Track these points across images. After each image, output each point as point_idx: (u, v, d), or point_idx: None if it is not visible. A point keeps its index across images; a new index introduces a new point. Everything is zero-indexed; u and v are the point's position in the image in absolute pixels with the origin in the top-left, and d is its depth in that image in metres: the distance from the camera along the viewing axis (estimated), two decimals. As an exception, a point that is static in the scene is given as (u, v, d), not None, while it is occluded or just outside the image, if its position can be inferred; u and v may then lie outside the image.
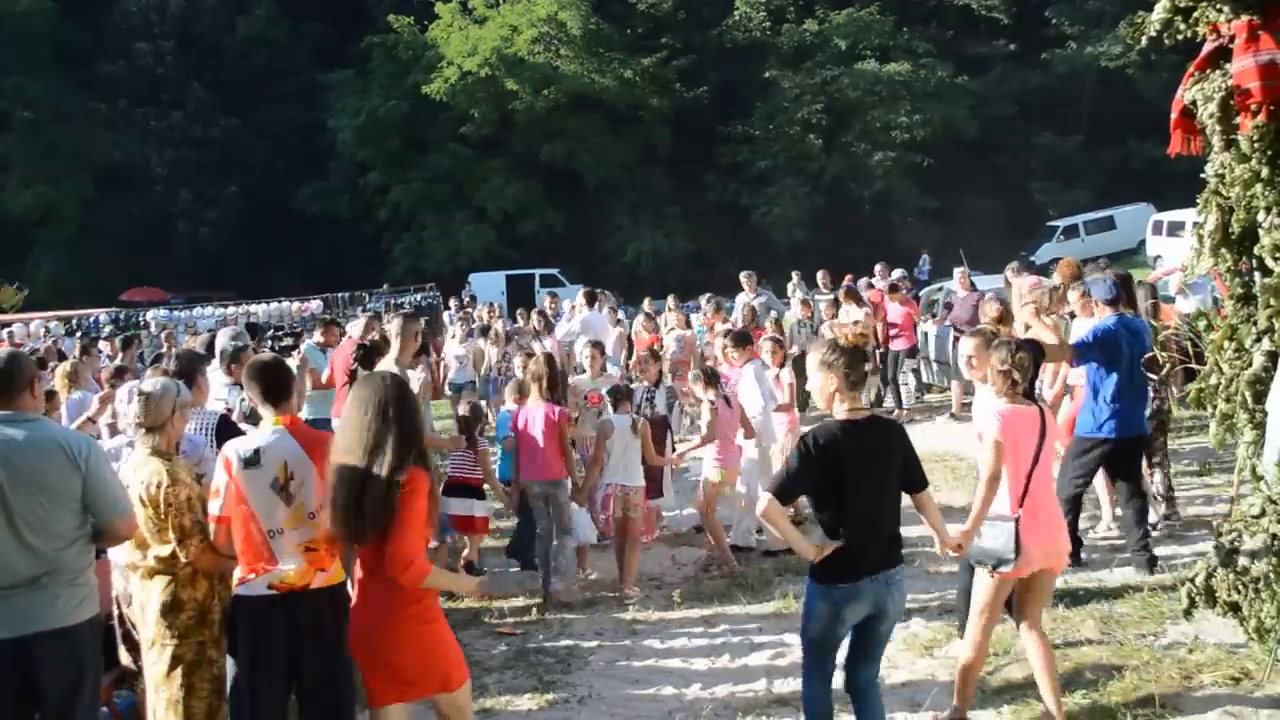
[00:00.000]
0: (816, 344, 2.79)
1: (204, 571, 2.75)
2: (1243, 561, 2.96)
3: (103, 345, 10.83)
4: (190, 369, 3.55)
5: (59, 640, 2.41)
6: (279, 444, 2.66)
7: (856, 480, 2.58)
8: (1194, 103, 3.24)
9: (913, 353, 9.09)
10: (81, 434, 2.70)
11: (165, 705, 2.70)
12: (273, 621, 2.61)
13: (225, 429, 3.57)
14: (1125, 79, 24.24)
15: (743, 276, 10.26)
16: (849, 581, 2.60)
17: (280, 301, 16.15)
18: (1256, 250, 3.04)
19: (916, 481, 2.75)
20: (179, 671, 2.71)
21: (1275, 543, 2.90)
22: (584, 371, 6.35)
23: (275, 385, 2.73)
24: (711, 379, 5.16)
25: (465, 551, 5.10)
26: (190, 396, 2.94)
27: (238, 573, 2.68)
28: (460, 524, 4.94)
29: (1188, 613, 3.18)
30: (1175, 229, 17.64)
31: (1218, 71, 3.20)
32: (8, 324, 15.31)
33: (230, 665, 2.67)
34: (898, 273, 10.55)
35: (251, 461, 2.64)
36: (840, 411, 2.67)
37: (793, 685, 3.59)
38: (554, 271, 23.46)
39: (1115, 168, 25.59)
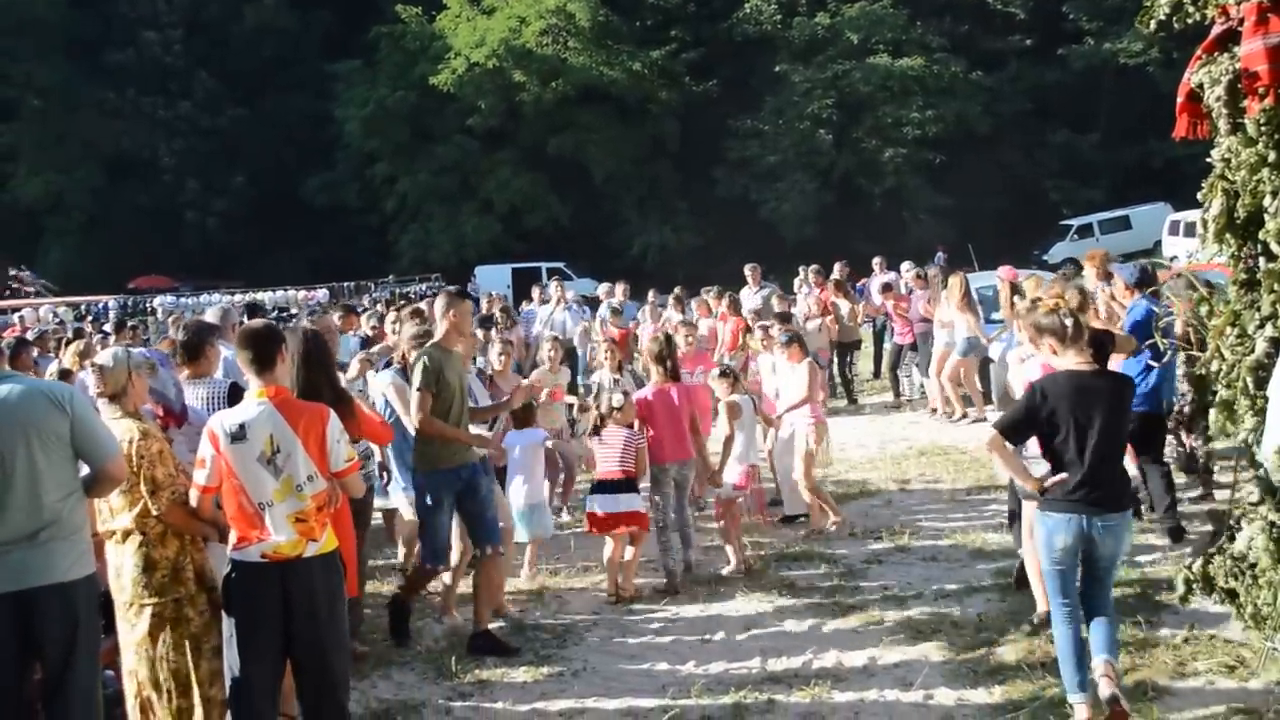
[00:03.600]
0: (1030, 312, 3.17)
1: (173, 528, 2.78)
2: (1240, 548, 2.94)
3: (107, 329, 10.93)
4: (199, 339, 3.56)
5: (57, 595, 2.45)
6: (263, 417, 2.69)
7: (1068, 421, 2.87)
8: (1201, 86, 3.20)
9: (914, 346, 9.17)
10: (62, 382, 2.76)
11: (148, 665, 2.73)
12: (267, 584, 2.65)
13: (237, 398, 3.56)
14: (1144, 76, 23.94)
15: (747, 269, 10.26)
16: (1056, 512, 2.92)
17: (286, 289, 16.25)
18: (1262, 235, 3.01)
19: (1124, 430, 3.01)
20: (158, 628, 2.74)
21: (1274, 530, 2.88)
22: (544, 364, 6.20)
23: (264, 354, 2.74)
24: (801, 343, 5.42)
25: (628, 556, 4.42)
26: (143, 359, 2.99)
27: (231, 537, 2.71)
28: (621, 520, 4.37)
29: (1184, 599, 3.17)
30: (1192, 229, 17.44)
31: (1226, 54, 3.16)
32: (18, 309, 15.47)
33: (226, 626, 2.71)
34: (905, 266, 10.52)
35: (238, 436, 2.66)
36: (1065, 363, 2.97)
37: (786, 664, 3.61)
38: (560, 265, 23.45)
39: (1133, 166, 25.32)
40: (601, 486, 4.48)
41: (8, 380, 2.54)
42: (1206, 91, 3.16)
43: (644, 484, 4.64)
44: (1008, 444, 2.99)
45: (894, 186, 25.68)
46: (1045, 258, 21.57)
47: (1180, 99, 3.33)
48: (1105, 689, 2.84)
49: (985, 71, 26.26)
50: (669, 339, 4.96)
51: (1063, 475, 2.92)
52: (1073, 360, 2.98)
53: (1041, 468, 3.07)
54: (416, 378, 3.69)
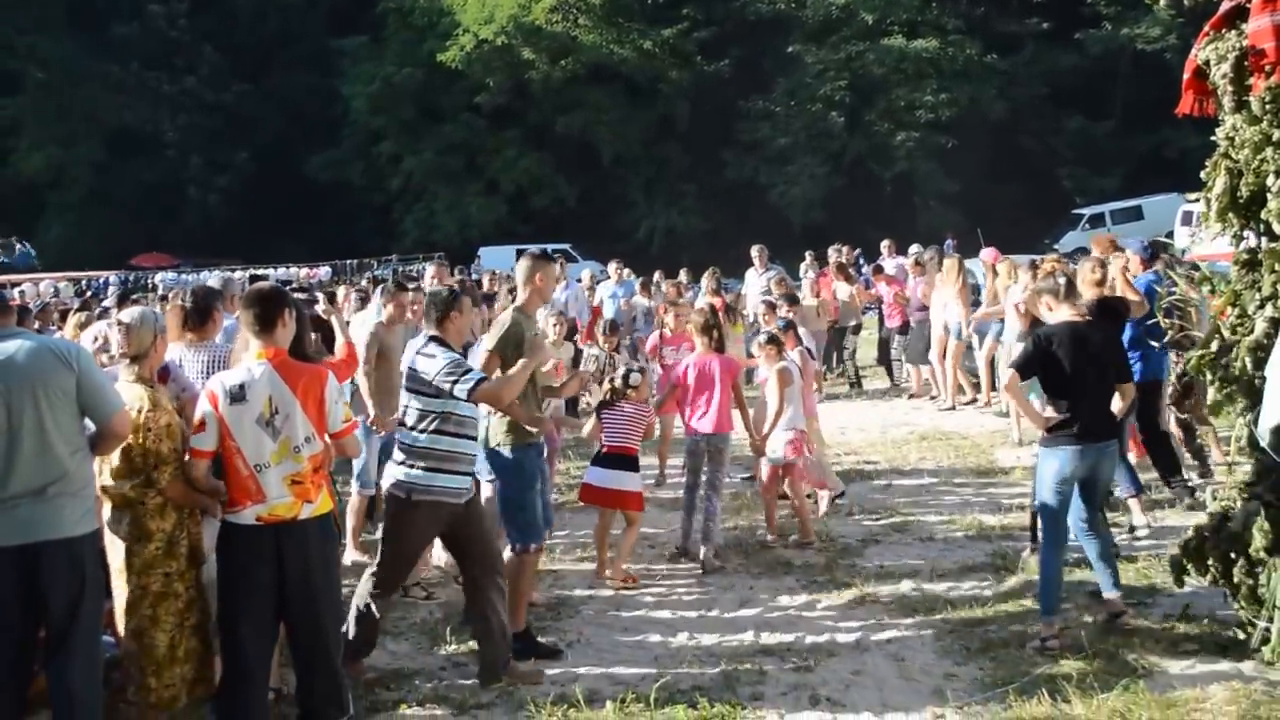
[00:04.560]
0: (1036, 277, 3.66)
1: (173, 502, 2.76)
2: (1235, 529, 2.94)
3: (108, 304, 10.95)
4: (207, 303, 3.55)
5: (63, 550, 2.47)
6: (263, 378, 2.69)
7: (1071, 364, 3.31)
8: (1207, 62, 3.15)
9: (903, 330, 9.22)
10: (68, 340, 2.74)
11: (129, 634, 2.73)
12: (260, 544, 2.66)
13: None
14: (1162, 62, 23.43)
15: (754, 251, 10.19)
16: (1070, 444, 3.33)
17: (288, 267, 16.27)
18: (1264, 214, 2.98)
19: (1122, 375, 3.53)
20: (145, 601, 2.73)
21: (1269, 510, 2.87)
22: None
23: (267, 315, 2.74)
24: (777, 343, 5.19)
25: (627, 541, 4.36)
26: (165, 323, 2.97)
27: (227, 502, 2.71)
28: (614, 499, 4.34)
29: (1178, 579, 3.17)
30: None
31: (1233, 31, 3.11)
32: (17, 284, 15.51)
33: (220, 589, 2.72)
34: (914, 249, 10.46)
35: (238, 397, 2.66)
36: (1062, 316, 3.42)
37: (779, 638, 3.63)
38: (565, 247, 23.35)
39: (1147, 155, 24.88)
40: (602, 460, 4.44)
41: (16, 337, 2.56)
42: (1212, 68, 3.12)
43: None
44: (1021, 385, 3.45)
45: (905, 171, 25.42)
46: (1056, 246, 21.29)
47: (1186, 75, 3.29)
48: (1118, 611, 3.39)
49: (1000, 55, 25.84)
50: (714, 310, 4.94)
51: (1063, 415, 3.35)
52: (1067, 314, 3.41)
53: (1048, 412, 3.46)
54: (491, 340, 3.43)
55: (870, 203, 24.81)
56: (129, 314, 2.88)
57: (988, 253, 7.97)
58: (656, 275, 10.98)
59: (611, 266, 10.36)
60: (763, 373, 5.06)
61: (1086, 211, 23.05)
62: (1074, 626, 3.48)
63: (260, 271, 16.10)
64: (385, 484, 3.29)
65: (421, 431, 3.13)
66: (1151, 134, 24.44)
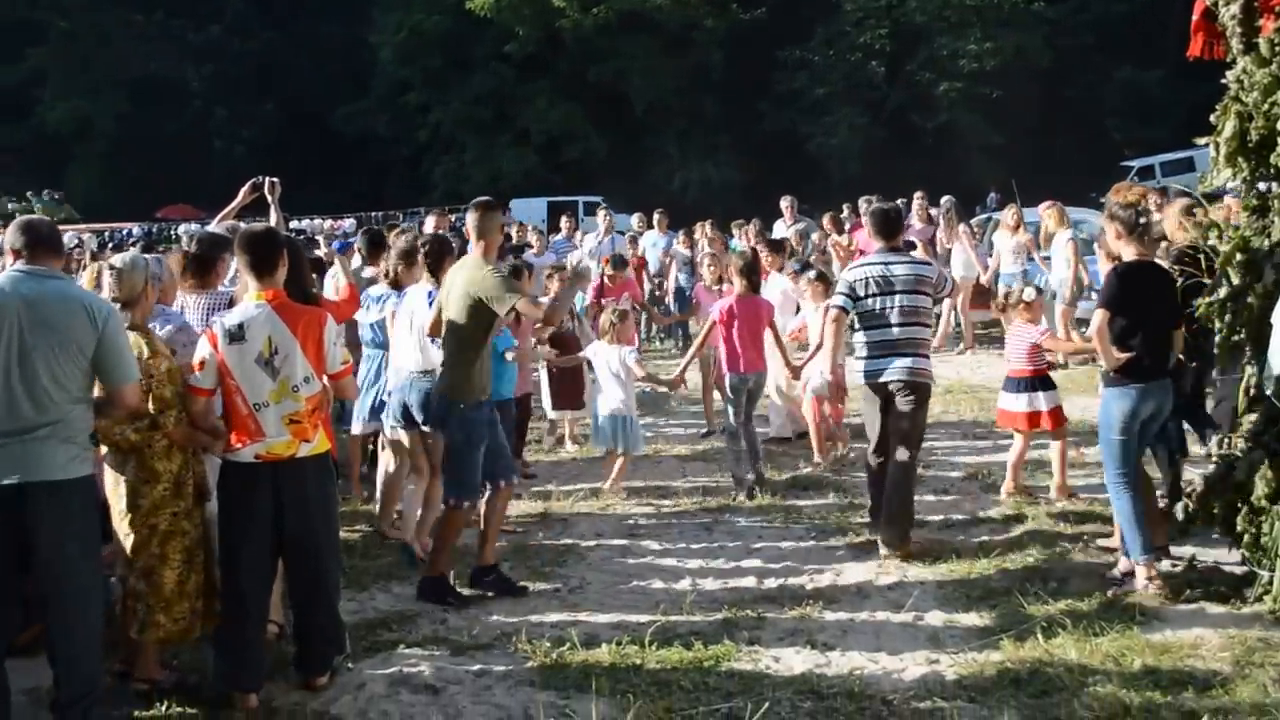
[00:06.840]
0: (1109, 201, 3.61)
1: (178, 444, 2.79)
2: (1241, 478, 2.88)
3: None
4: (211, 252, 3.57)
5: (51, 491, 2.44)
6: (262, 318, 2.72)
7: (1146, 303, 3.30)
8: (1216, 3, 2.96)
9: None
10: (103, 299, 2.73)
11: (136, 575, 2.79)
12: (258, 482, 2.73)
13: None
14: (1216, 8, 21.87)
15: (784, 203, 9.98)
16: (1142, 381, 3.30)
17: (313, 219, 16.35)
18: (1274, 159, 2.84)
19: (1174, 316, 3.41)
20: (154, 540, 2.74)
21: (1274, 460, 2.81)
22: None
23: (264, 258, 2.76)
24: (827, 283, 5.32)
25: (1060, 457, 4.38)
26: (161, 270, 2.97)
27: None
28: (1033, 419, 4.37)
29: (1183, 529, 3.13)
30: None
31: (1243, -31, 2.91)
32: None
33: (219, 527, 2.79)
34: (946, 200, 10.14)
35: (237, 336, 2.70)
36: (1128, 254, 3.36)
37: (782, 585, 3.67)
38: (598, 199, 23.11)
39: (1200, 106, 22.98)
40: (1012, 384, 4.47)
41: (54, 280, 2.53)
42: (1221, 9, 2.95)
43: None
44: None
45: (947, 122, 24.39)
46: (1103, 200, 20.37)
47: (1195, 17, 3.12)
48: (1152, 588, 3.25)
49: (1047, 2, 24.39)
50: (755, 252, 5.31)
51: (1133, 353, 3.29)
52: (1134, 253, 3.36)
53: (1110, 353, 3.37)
54: (525, 299, 3.47)
55: (912, 154, 23.89)
56: (120, 258, 2.86)
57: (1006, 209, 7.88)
58: (706, 227, 10.81)
59: (635, 219, 10.33)
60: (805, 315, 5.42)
61: (1136, 164, 21.94)
62: (1075, 574, 3.47)
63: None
64: (909, 377, 3.81)
65: (929, 328, 3.84)
66: (1204, 84, 22.45)
